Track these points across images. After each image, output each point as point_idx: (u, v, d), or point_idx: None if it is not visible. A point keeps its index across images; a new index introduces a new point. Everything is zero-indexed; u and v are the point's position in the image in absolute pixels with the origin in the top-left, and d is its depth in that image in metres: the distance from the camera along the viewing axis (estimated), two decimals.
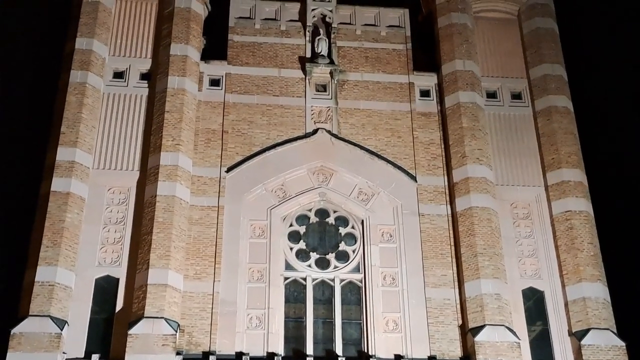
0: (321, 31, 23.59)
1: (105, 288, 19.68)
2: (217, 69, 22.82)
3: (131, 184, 20.95)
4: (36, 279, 18.85)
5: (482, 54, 23.88)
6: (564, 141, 22.31)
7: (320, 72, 22.92)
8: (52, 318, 18.48)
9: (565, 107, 22.92)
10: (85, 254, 19.81)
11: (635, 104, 25.46)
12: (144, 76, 22.50)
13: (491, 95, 23.41)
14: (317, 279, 20.58)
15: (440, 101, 23.06)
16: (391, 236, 21.10)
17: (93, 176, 20.79)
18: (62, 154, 20.51)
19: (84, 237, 19.97)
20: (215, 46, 23.25)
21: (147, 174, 20.78)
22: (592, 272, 20.45)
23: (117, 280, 19.75)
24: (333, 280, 20.55)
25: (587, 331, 19.70)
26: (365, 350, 19.65)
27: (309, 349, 19.58)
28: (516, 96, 23.49)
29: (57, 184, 20.12)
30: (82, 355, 18.78)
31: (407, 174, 21.93)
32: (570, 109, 23.02)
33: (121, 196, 20.85)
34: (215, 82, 22.67)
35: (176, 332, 18.76)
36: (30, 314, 18.47)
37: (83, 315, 19.20)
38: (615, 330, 19.85)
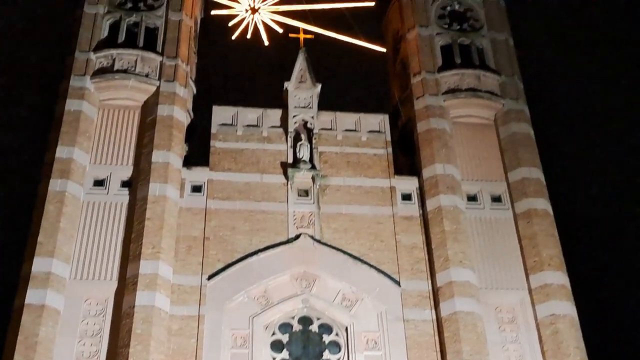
0: (303, 137, 23.74)
1: None
2: (199, 175, 22.74)
3: (109, 295, 20.33)
4: None
5: (461, 157, 24.15)
6: (545, 244, 22.35)
7: (302, 177, 22.96)
8: None
9: (544, 209, 23.10)
10: None
11: (614, 204, 25.91)
12: (124, 183, 22.22)
13: (472, 198, 23.54)
14: None
15: (422, 205, 23.13)
16: (376, 343, 20.63)
17: (69, 287, 20.14)
18: (38, 264, 19.92)
19: (58, 352, 19.16)
20: (198, 152, 23.35)
21: (126, 284, 20.19)
22: None
23: None
24: None
25: None
26: None
27: None
28: (496, 199, 23.64)
29: (32, 296, 19.45)
30: None
31: (391, 278, 21.69)
32: (549, 211, 23.19)
33: (98, 307, 20.18)
34: (197, 189, 22.54)
35: None
36: None
37: None
38: None
